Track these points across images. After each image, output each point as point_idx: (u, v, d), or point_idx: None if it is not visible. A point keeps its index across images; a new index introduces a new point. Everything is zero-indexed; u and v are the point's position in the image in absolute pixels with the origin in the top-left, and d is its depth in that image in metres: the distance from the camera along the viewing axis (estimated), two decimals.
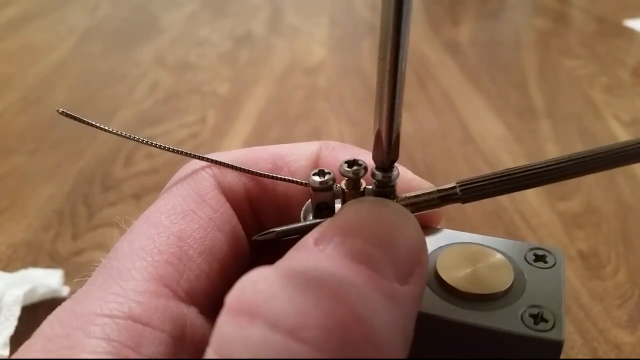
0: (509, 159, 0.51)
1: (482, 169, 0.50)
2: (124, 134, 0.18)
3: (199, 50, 0.77)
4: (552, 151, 0.52)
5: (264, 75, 0.70)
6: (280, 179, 0.19)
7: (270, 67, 0.72)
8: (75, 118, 0.18)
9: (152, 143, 0.19)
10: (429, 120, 0.58)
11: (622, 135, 0.54)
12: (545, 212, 0.44)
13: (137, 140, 0.18)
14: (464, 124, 0.57)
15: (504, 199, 0.44)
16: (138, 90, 0.66)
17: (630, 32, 0.81)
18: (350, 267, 0.12)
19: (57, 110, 0.18)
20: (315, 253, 0.13)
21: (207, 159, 0.19)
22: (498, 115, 0.59)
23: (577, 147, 0.52)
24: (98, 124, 0.18)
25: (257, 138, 0.56)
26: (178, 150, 0.19)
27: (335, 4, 0.97)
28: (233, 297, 0.12)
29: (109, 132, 0.18)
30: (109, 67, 0.72)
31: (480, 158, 0.51)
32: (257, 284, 0.11)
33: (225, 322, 0.11)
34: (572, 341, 0.33)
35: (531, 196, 0.45)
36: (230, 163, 0.19)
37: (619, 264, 0.39)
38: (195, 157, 0.19)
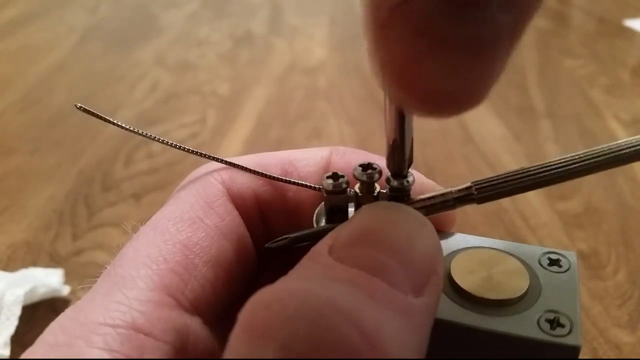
0: (509, 159, 0.51)
1: (482, 169, 0.50)
2: (142, 132, 0.18)
3: (199, 50, 0.77)
4: (552, 151, 0.52)
5: (264, 75, 0.70)
6: (294, 182, 0.18)
7: (270, 67, 0.72)
8: (92, 114, 0.18)
9: (169, 142, 0.19)
10: (429, 121, 0.58)
11: (622, 135, 0.54)
12: (545, 212, 0.44)
13: (154, 139, 0.18)
14: (464, 124, 0.57)
15: (504, 199, 0.44)
16: (138, 90, 0.66)
17: (630, 32, 0.81)
18: (366, 281, 0.12)
19: (75, 105, 0.18)
20: (330, 266, 0.13)
21: (223, 161, 0.18)
22: (498, 115, 0.59)
23: (577, 147, 0.52)
24: (116, 121, 0.18)
25: (257, 138, 0.56)
26: (194, 151, 0.19)
27: (335, 3, 0.97)
28: (247, 316, 0.12)
29: (127, 129, 0.18)
30: (109, 67, 0.72)
31: (480, 158, 0.51)
32: (271, 306, 0.11)
33: (240, 341, 0.11)
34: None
35: (531, 196, 0.45)
36: (240, 168, 0.19)
37: (619, 264, 0.39)
38: (210, 158, 0.19)
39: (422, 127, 0.57)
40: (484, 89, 0.11)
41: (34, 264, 0.39)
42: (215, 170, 0.19)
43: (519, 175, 0.16)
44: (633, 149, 0.15)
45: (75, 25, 0.86)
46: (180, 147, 0.19)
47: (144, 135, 0.18)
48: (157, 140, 0.19)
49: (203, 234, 0.17)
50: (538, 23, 0.87)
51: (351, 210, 0.18)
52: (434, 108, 0.11)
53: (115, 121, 0.18)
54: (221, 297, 0.17)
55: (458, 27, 0.10)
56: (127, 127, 0.18)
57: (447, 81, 0.10)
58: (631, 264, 0.39)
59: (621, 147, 0.15)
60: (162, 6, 0.94)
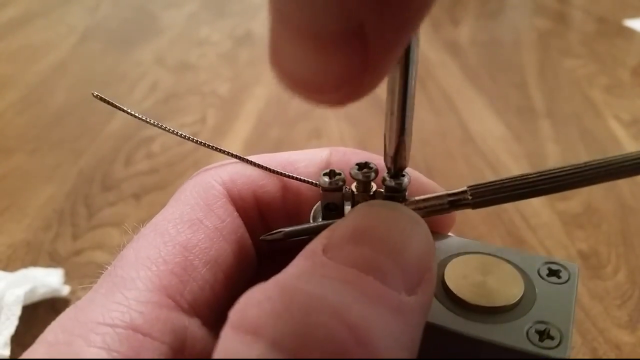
0: (509, 159, 0.51)
1: (482, 169, 0.50)
2: (158, 124, 0.18)
3: (199, 50, 0.77)
4: (552, 151, 0.52)
5: (264, 75, 0.70)
6: (298, 179, 0.19)
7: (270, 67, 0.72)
8: (109, 102, 0.18)
9: (184, 135, 0.19)
10: (429, 120, 0.58)
11: (622, 135, 0.54)
12: (545, 212, 0.44)
13: (168, 131, 0.19)
14: (464, 124, 0.57)
15: None
16: (138, 90, 0.66)
17: (630, 32, 0.81)
18: (358, 279, 0.12)
19: (92, 94, 0.18)
20: (324, 264, 0.13)
21: (231, 154, 0.19)
22: (498, 115, 0.59)
23: (577, 147, 0.52)
24: (132, 111, 0.18)
25: (257, 138, 0.56)
26: (207, 144, 0.19)
27: None
28: (237, 313, 0.12)
29: (143, 120, 0.18)
30: (109, 67, 0.72)
31: (480, 158, 0.51)
32: (261, 303, 0.12)
33: (230, 338, 0.11)
34: (572, 341, 0.33)
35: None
36: (242, 165, 0.19)
37: (619, 264, 0.39)
38: (218, 150, 0.19)
39: (423, 127, 0.57)
40: (346, 85, 0.11)
41: (34, 264, 0.39)
42: (215, 172, 0.19)
43: (517, 182, 0.15)
44: (632, 162, 0.15)
45: (75, 25, 0.86)
46: (194, 139, 0.19)
47: (159, 127, 0.18)
48: (172, 132, 0.19)
49: (203, 235, 0.17)
50: (538, 23, 0.87)
51: (347, 208, 0.18)
52: (296, 91, 0.11)
53: (130, 111, 0.18)
54: (220, 298, 0.17)
55: (308, 17, 0.10)
56: (143, 117, 0.18)
57: (304, 69, 0.11)
58: (631, 264, 0.39)
59: (625, 159, 0.15)
60: (162, 6, 0.94)
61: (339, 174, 0.17)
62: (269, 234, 0.18)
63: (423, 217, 0.16)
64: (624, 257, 0.39)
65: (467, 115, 0.59)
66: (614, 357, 0.32)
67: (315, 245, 0.13)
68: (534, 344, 0.15)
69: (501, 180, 0.16)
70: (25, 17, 0.89)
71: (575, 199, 0.45)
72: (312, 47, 0.10)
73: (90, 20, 0.89)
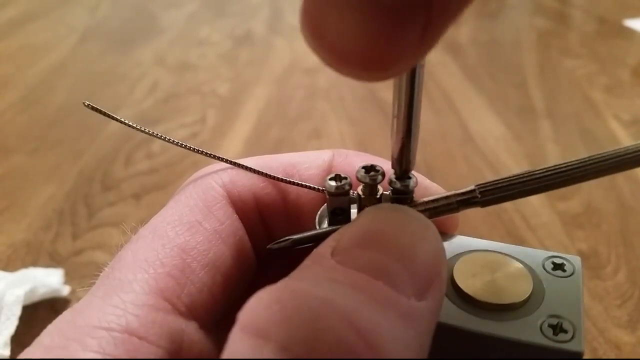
0: (509, 159, 0.51)
1: (482, 169, 0.50)
2: (152, 132, 0.18)
3: (199, 50, 0.77)
4: (552, 151, 0.52)
5: (264, 75, 0.70)
6: (298, 184, 0.18)
7: (270, 67, 0.72)
8: (100, 111, 0.18)
9: (182, 144, 0.19)
10: (429, 120, 0.58)
11: (622, 135, 0.54)
12: (545, 212, 0.44)
13: (163, 139, 0.18)
14: (464, 124, 0.57)
15: None
16: (138, 90, 0.66)
17: (630, 32, 0.81)
18: (367, 283, 0.12)
19: (84, 103, 0.18)
20: (332, 268, 0.13)
21: (227, 160, 0.18)
22: (498, 115, 0.59)
23: (577, 147, 0.52)
24: (124, 120, 0.18)
25: (257, 138, 0.56)
26: (202, 151, 0.19)
27: None
28: (247, 316, 0.12)
29: (135, 128, 0.18)
30: (109, 67, 0.72)
31: (480, 158, 0.51)
32: (271, 306, 0.11)
33: (239, 340, 0.11)
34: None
35: (531, 196, 0.45)
36: (243, 167, 0.19)
37: (619, 264, 0.39)
38: (216, 158, 0.19)
39: (422, 127, 0.56)
40: (394, 58, 0.10)
41: (34, 264, 0.39)
42: (215, 173, 0.18)
43: (524, 179, 0.15)
44: (634, 154, 0.15)
45: (75, 25, 0.86)
46: (189, 147, 0.19)
47: (156, 136, 0.18)
48: (170, 142, 0.19)
49: (201, 237, 0.17)
50: (538, 23, 0.87)
51: (354, 212, 0.18)
52: (337, 65, 0.10)
53: (123, 120, 0.18)
54: (219, 301, 0.17)
55: None
56: (137, 126, 0.18)
57: (355, 42, 0.10)
58: (631, 264, 0.39)
59: (628, 152, 0.15)
60: (162, 6, 0.94)
61: (345, 178, 0.17)
62: (275, 242, 0.17)
63: (431, 217, 0.16)
64: (624, 257, 0.39)
65: (467, 115, 0.59)
66: (614, 357, 0.32)
67: (323, 248, 0.13)
68: (548, 338, 0.15)
69: (508, 177, 0.16)
70: (25, 17, 0.89)
71: (575, 199, 0.45)
72: (369, 17, 0.09)
73: (90, 20, 0.88)
